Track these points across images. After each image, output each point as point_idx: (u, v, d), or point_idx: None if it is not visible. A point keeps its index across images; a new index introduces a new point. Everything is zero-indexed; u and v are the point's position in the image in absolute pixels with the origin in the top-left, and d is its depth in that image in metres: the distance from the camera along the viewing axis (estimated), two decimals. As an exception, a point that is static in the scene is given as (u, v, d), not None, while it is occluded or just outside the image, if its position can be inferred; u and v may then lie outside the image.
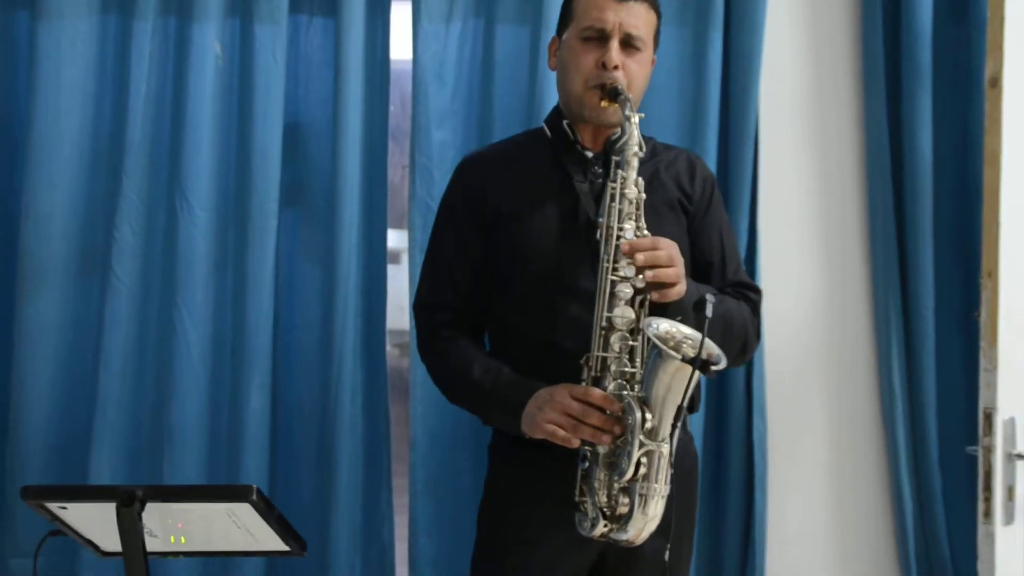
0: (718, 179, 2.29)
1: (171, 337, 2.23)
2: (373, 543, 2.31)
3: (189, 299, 2.23)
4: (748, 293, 1.86)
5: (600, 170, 1.77)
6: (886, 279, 2.41)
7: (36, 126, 2.19)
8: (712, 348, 1.50)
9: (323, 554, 2.24)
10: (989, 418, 1.85)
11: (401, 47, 2.36)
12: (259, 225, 2.24)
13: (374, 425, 2.30)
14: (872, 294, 2.45)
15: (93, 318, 2.23)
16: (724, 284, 1.84)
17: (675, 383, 1.51)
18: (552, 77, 1.91)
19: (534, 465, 1.69)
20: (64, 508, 1.32)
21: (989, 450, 1.85)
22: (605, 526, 1.57)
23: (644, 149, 1.65)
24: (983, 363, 1.87)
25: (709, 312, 1.48)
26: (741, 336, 1.79)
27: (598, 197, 1.72)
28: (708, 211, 1.85)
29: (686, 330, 1.56)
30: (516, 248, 1.75)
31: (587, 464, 1.61)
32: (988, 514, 1.84)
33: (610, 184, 1.62)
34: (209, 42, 2.22)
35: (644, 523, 1.55)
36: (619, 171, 1.62)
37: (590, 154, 1.79)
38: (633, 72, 1.73)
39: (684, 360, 1.47)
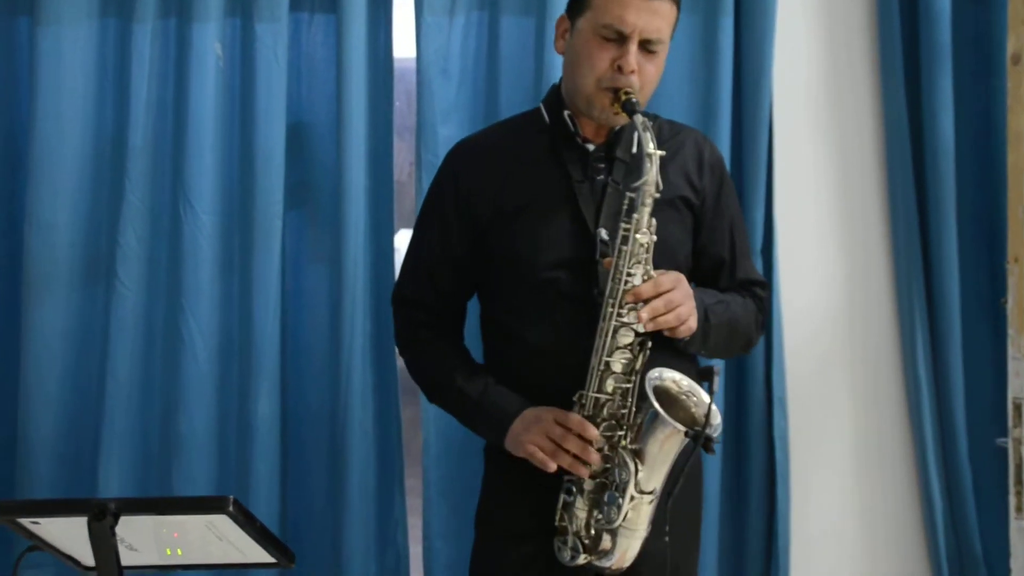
0: (732, 170, 2.26)
1: (177, 343, 2.20)
2: (387, 548, 2.29)
3: (195, 304, 2.20)
4: (756, 290, 1.81)
5: (602, 166, 1.69)
6: (909, 267, 2.37)
7: (38, 132, 2.16)
8: (714, 418, 1.49)
9: (337, 560, 2.22)
10: (1019, 408, 1.82)
11: (404, 43, 2.33)
12: (264, 227, 2.20)
13: (385, 428, 2.28)
14: (895, 283, 2.41)
15: (99, 325, 2.20)
16: (733, 282, 1.79)
17: (668, 445, 1.51)
18: (559, 67, 1.83)
19: (528, 467, 1.65)
20: (36, 523, 1.28)
21: (1020, 441, 1.82)
22: (585, 558, 1.59)
23: (661, 189, 1.57)
24: (1011, 351, 1.85)
25: (717, 386, 1.49)
26: (744, 336, 1.77)
27: (600, 199, 1.67)
28: (718, 203, 1.77)
29: (691, 385, 1.55)
30: (512, 253, 1.69)
31: (571, 497, 1.60)
32: (1021, 508, 1.81)
33: (622, 225, 1.57)
34: (209, 43, 2.19)
35: (626, 553, 1.57)
36: (633, 213, 1.56)
37: (591, 147, 1.71)
38: (649, 75, 1.65)
39: (686, 435, 1.47)
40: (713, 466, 2.27)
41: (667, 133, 1.77)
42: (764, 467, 2.34)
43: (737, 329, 1.73)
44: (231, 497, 1.28)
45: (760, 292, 1.81)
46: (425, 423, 2.26)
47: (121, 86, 2.20)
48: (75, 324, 2.21)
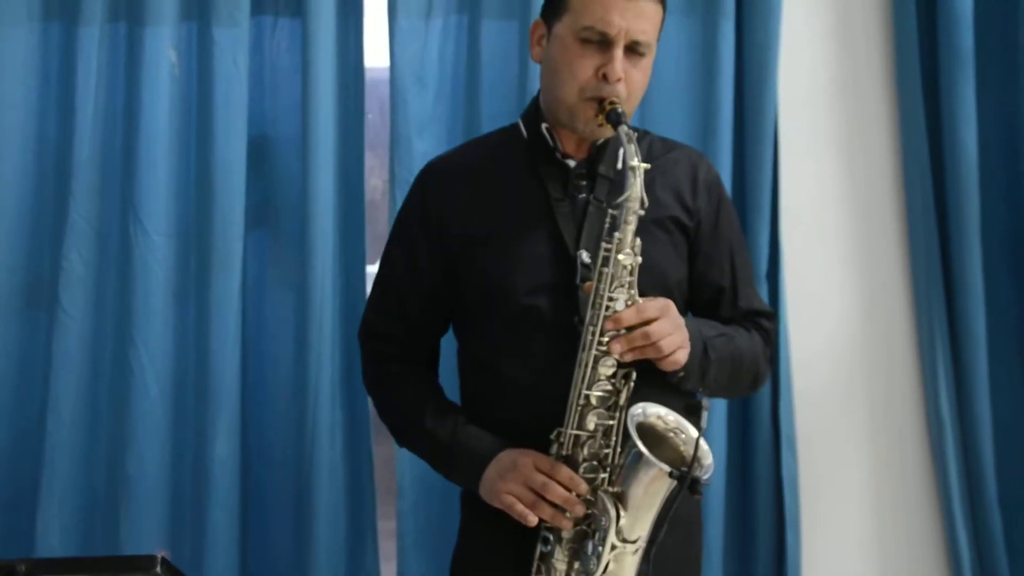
0: (733, 188, 2.24)
1: (127, 377, 2.12)
2: (359, 602, 2.22)
3: (146, 334, 2.12)
4: (761, 321, 1.71)
5: (584, 183, 1.60)
6: (929, 293, 2.30)
7: None
8: (704, 457, 1.42)
9: (302, 618, 2.16)
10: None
11: (378, 49, 2.26)
12: (223, 250, 2.13)
13: (356, 470, 2.20)
14: (914, 312, 2.34)
15: (39, 357, 2.13)
16: (735, 312, 1.70)
17: (653, 488, 1.42)
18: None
19: (506, 518, 1.54)
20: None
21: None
22: None
23: (646, 205, 1.49)
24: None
25: (704, 423, 1.40)
26: (751, 373, 1.67)
27: (581, 218, 1.58)
28: (716, 226, 1.67)
29: (678, 421, 1.47)
30: (487, 280, 1.60)
31: (548, 547, 1.50)
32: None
33: (603, 245, 1.49)
34: (163, 49, 2.13)
35: None
36: (615, 232, 1.48)
37: (572, 163, 1.61)
38: (635, 82, 1.56)
39: (671, 476, 1.38)
40: (715, 512, 2.21)
41: (659, 150, 1.69)
42: (772, 513, 2.25)
43: (742, 366, 1.64)
44: (159, 556, 1.22)
45: (767, 324, 1.72)
46: (399, 464, 2.20)
47: (66, 95, 2.13)
48: (13, 356, 2.13)
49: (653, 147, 1.67)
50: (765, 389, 2.23)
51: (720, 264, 1.66)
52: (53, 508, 2.07)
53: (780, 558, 2.24)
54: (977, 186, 2.25)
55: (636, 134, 1.56)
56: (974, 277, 2.25)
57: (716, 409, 2.18)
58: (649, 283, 1.53)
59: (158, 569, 1.17)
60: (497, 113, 2.18)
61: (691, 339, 1.52)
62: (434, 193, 1.66)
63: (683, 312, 1.59)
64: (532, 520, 1.46)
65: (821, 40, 2.33)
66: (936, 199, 2.29)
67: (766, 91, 2.22)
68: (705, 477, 1.39)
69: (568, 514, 1.47)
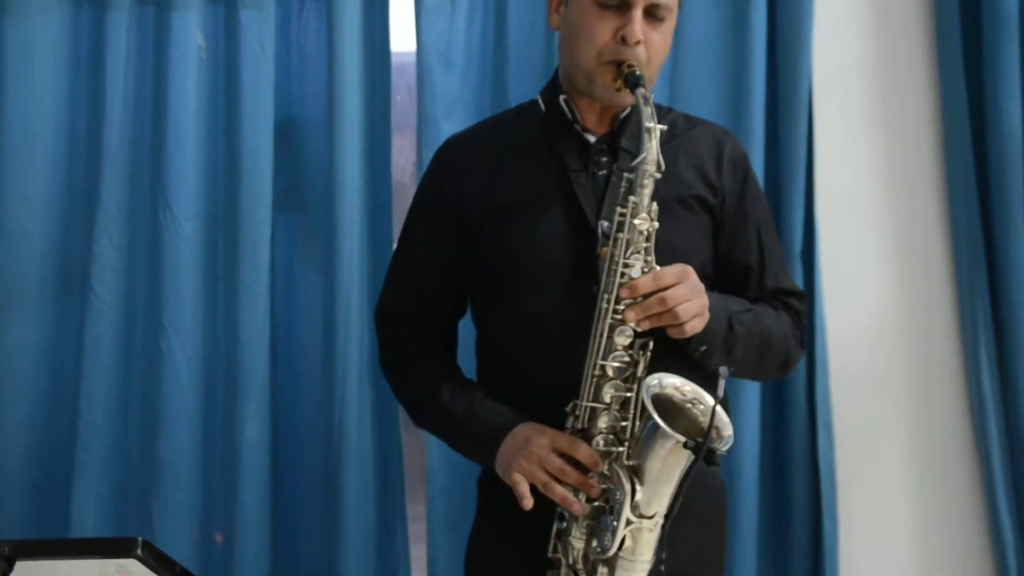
0: (767, 164, 2.21)
1: (158, 361, 2.13)
2: (389, 585, 2.23)
3: (176, 318, 2.13)
4: (790, 301, 1.66)
5: (604, 159, 1.57)
6: (971, 272, 2.25)
7: (5, 132, 2.11)
8: (723, 427, 1.37)
9: (332, 601, 2.16)
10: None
11: (405, 32, 2.25)
12: (251, 234, 2.14)
13: (385, 453, 2.19)
14: (955, 290, 2.29)
15: (72, 342, 2.14)
16: (763, 291, 1.66)
17: (671, 461, 1.38)
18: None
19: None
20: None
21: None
22: None
23: (662, 168, 1.45)
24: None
25: (721, 391, 1.35)
26: (781, 353, 1.63)
27: (602, 194, 1.55)
28: (742, 203, 1.63)
29: (695, 391, 1.43)
30: (503, 258, 1.58)
31: (565, 524, 1.47)
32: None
33: (619, 209, 1.46)
34: (190, 33, 2.13)
35: None
36: (631, 196, 1.45)
37: (592, 138, 1.58)
38: (656, 46, 1.53)
39: (685, 446, 1.34)
40: (749, 499, 2.18)
41: (682, 127, 1.66)
42: (807, 498, 2.22)
43: (771, 344, 1.59)
44: (140, 539, 1.23)
45: (796, 304, 1.67)
46: (429, 448, 2.18)
47: (95, 81, 2.14)
48: (46, 341, 2.15)
49: (676, 124, 1.64)
50: (800, 371, 2.19)
51: (746, 242, 1.63)
52: (87, 491, 2.09)
53: (816, 546, 2.21)
54: (1021, 159, 2.19)
55: (659, 109, 1.52)
56: (1018, 254, 2.20)
57: (749, 392, 2.14)
58: (672, 264, 1.48)
59: (139, 551, 1.17)
60: (524, 93, 2.11)
61: (716, 313, 1.49)
62: (451, 169, 1.65)
63: None
64: (528, 504, 1.43)
65: (857, 8, 2.29)
66: (978, 173, 2.24)
67: (800, 63, 2.18)
68: (723, 448, 1.35)
69: (581, 497, 1.44)
